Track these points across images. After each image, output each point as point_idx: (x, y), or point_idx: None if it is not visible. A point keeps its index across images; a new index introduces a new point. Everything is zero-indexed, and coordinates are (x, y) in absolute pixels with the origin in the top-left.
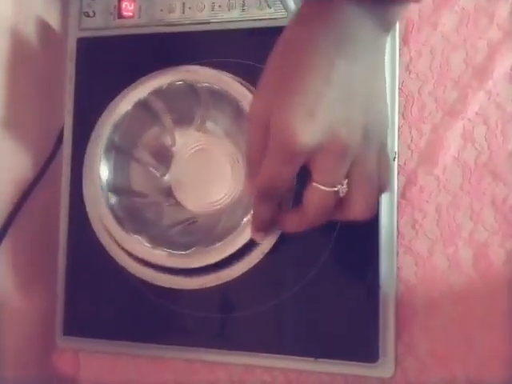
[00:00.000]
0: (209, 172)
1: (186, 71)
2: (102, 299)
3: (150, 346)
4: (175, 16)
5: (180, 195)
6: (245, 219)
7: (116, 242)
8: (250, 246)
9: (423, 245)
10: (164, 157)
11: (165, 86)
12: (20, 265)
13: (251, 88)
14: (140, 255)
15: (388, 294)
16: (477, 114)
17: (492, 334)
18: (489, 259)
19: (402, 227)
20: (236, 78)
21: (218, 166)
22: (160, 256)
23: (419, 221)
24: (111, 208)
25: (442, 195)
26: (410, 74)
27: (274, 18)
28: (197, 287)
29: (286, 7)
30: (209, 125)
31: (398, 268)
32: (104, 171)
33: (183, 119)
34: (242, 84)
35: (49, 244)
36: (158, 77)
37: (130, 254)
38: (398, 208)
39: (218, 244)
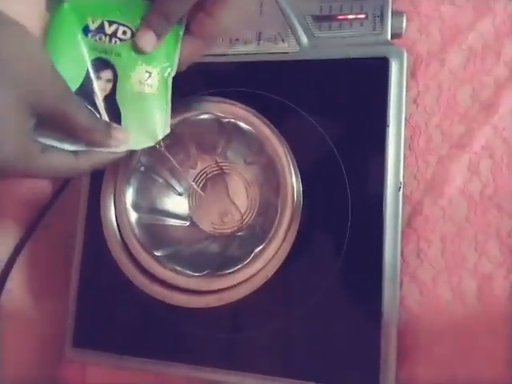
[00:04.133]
0: (225, 196)
1: (215, 106)
2: (112, 314)
3: (155, 362)
4: None
5: (196, 216)
6: (256, 250)
7: (130, 259)
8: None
9: (428, 274)
10: (184, 179)
11: (193, 117)
12: (35, 278)
13: (273, 128)
14: (157, 275)
15: (390, 321)
16: (483, 147)
17: (495, 365)
18: (493, 291)
19: (407, 256)
20: (260, 116)
21: (235, 191)
22: (175, 276)
23: (424, 250)
24: (131, 225)
25: (447, 226)
26: (417, 107)
27: (287, 52)
28: (200, 306)
29: (298, 42)
30: (229, 153)
31: (402, 296)
32: (128, 190)
33: (205, 145)
34: (266, 125)
35: (64, 259)
36: (188, 107)
37: (141, 271)
38: (403, 236)
39: (230, 271)
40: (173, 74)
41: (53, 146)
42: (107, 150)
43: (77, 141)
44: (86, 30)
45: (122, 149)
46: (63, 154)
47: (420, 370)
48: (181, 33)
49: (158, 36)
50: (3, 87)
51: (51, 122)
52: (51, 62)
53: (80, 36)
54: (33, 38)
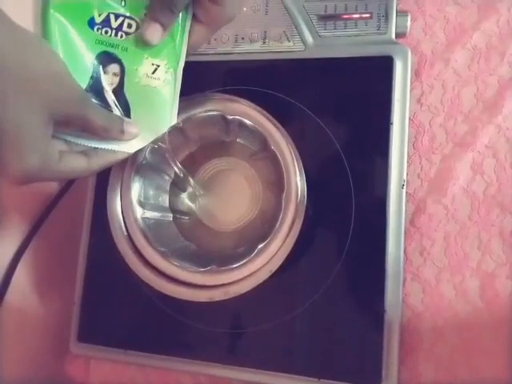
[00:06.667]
0: (228, 192)
1: (220, 103)
2: (117, 309)
3: (158, 357)
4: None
5: (201, 212)
6: (260, 246)
7: (136, 254)
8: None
9: (431, 272)
10: (188, 174)
11: (198, 115)
12: (41, 273)
13: (278, 125)
14: (163, 269)
15: (393, 318)
16: (486, 146)
17: (497, 364)
18: (495, 290)
19: (410, 254)
20: (265, 113)
21: (238, 188)
22: (180, 271)
23: (427, 248)
24: (136, 221)
25: (451, 224)
26: (421, 106)
27: (293, 51)
28: (205, 300)
29: (304, 41)
30: (234, 149)
31: (405, 294)
32: (134, 187)
33: (211, 142)
34: (271, 122)
35: (70, 254)
36: (194, 105)
37: (146, 266)
38: (406, 235)
39: (234, 266)
40: (181, 65)
41: (67, 151)
42: (120, 146)
43: (92, 137)
44: (91, 23)
45: (132, 145)
46: (77, 157)
47: (422, 368)
48: (188, 23)
49: (164, 27)
50: (28, 101)
51: (68, 124)
52: (68, 70)
53: (85, 29)
54: (48, 47)
